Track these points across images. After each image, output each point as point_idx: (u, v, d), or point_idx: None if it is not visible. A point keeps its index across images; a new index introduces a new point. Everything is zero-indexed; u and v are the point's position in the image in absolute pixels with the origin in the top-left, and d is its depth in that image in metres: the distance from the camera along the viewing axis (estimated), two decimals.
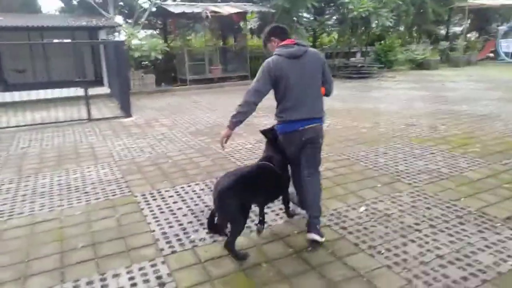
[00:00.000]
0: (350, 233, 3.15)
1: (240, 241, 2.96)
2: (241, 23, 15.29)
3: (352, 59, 18.27)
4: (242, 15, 14.41)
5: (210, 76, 14.36)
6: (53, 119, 8.06)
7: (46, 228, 3.39)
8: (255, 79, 2.94)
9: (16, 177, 4.79)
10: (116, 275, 2.67)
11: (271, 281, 2.57)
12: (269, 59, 2.97)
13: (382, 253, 2.83)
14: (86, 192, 4.22)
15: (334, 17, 18.18)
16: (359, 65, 16.14)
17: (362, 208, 3.59)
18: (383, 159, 5.03)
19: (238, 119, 2.95)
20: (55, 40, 13.18)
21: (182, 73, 14.29)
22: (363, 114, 8.05)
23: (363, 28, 16.87)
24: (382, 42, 18.00)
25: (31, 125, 7.73)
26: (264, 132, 3.29)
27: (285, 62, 2.90)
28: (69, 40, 13.18)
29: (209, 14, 13.18)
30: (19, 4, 13.41)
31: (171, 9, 13.63)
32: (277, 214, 3.52)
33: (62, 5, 14.76)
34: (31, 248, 3.07)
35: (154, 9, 14.68)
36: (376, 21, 15.13)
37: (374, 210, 3.54)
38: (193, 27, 17.11)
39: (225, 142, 3.06)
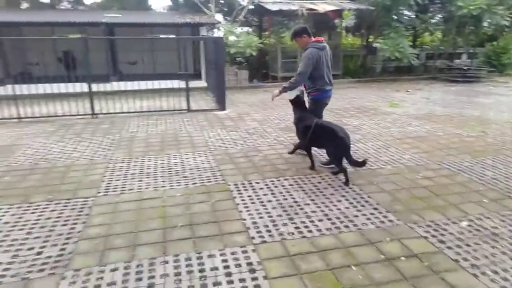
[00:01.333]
0: (449, 248, 2.93)
1: (328, 240, 2.95)
2: (336, 21, 15.01)
3: (457, 61, 16.75)
4: (339, 13, 14.12)
5: None
6: (157, 108, 8.85)
7: (151, 205, 3.77)
8: (305, 65, 4.52)
9: (127, 157, 5.38)
10: (211, 256, 2.86)
11: (360, 285, 2.52)
12: (312, 50, 4.57)
13: (488, 275, 2.58)
14: (185, 177, 4.57)
15: (439, 15, 16.82)
16: (465, 67, 14.73)
17: (464, 223, 3.31)
18: (491, 172, 4.55)
19: (287, 89, 4.74)
20: (162, 36, 14.39)
21: (274, 70, 14.54)
22: (467, 121, 7.35)
23: (471, 27, 15.34)
24: (495, 43, 16.17)
25: (139, 112, 8.59)
26: (295, 100, 4.87)
27: (319, 52, 4.59)
28: (173, 36, 14.29)
29: (305, 12, 13.17)
30: (134, 3, 14.91)
31: (269, 6, 13.92)
32: (368, 219, 3.42)
33: (170, 3, 16.07)
34: (139, 221, 3.44)
35: (251, 6, 15.16)
36: (489, 20, 13.63)
37: (478, 227, 3.24)
38: (288, 25, 17.28)
39: (272, 100, 5.13)
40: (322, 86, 4.74)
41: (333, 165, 4.58)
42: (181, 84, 9.15)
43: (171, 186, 4.28)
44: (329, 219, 3.42)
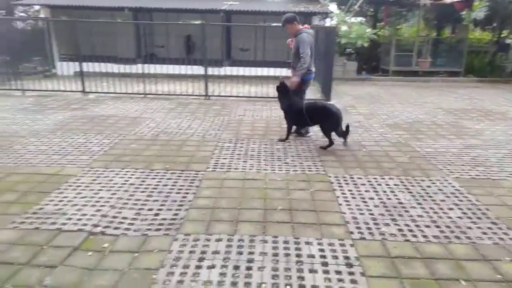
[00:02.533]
0: None
1: (435, 249, 2.75)
2: (463, 13, 13.49)
3: None
4: (467, 4, 12.67)
5: (415, 69, 13.37)
6: (264, 94, 9.13)
7: (254, 186, 3.95)
8: (305, 47, 5.20)
9: (234, 138, 5.70)
10: (308, 243, 2.89)
11: None
12: (305, 35, 5.26)
13: None
14: (286, 163, 4.66)
15: None
16: None
17: None
18: None
19: (302, 72, 5.32)
20: (273, 24, 14.66)
21: (385, 63, 13.78)
22: None
23: None
24: None
25: (247, 97, 8.98)
26: (281, 87, 5.41)
27: (311, 37, 5.33)
28: None
29: (427, 2, 12.13)
30: None
31: None
32: (484, 233, 3.08)
33: None
34: (242, 199, 3.64)
35: None
36: None
37: None
38: (406, 16, 16.12)
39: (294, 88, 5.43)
40: (310, 68, 5.42)
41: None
42: (289, 72, 9.26)
43: (272, 170, 4.41)
44: (437, 227, 3.17)
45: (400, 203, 3.61)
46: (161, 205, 3.49)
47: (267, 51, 13.77)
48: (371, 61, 14.46)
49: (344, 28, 13.06)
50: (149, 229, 3.06)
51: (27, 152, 4.87)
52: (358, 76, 13.08)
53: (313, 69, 5.54)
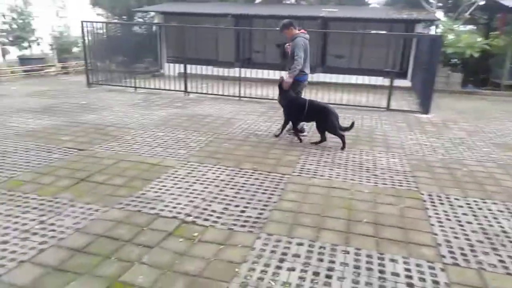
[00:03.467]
0: None
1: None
2: None
3: None
4: None
5: None
6: (356, 102, 8.90)
7: (339, 195, 3.90)
8: (300, 51, 5.48)
9: (321, 145, 5.67)
10: (393, 260, 2.77)
11: None
12: (300, 39, 5.57)
13: None
14: (375, 175, 4.50)
15: None
16: None
17: None
18: None
19: (295, 73, 5.57)
20: (373, 31, 14.18)
21: (497, 76, 12.37)
22: None
23: None
24: None
25: (338, 104, 8.82)
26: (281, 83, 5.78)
27: (306, 41, 5.62)
28: (384, 32, 13.88)
29: None
30: None
31: (506, 2, 11.80)
32: None
33: None
34: (326, 206, 3.62)
35: (482, 2, 13.18)
36: None
37: None
38: None
39: (288, 88, 5.73)
40: (303, 69, 5.71)
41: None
42: (385, 81, 8.91)
43: (360, 181, 4.30)
44: None
45: (504, 231, 3.25)
46: (247, 203, 3.65)
47: (363, 59, 13.37)
48: (479, 73, 13.10)
49: (451, 36, 12.06)
50: (234, 224, 3.23)
51: (135, 142, 5.47)
52: (464, 89, 11.96)
53: (307, 71, 5.84)
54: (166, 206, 3.53)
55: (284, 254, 2.82)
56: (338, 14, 12.13)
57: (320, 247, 2.91)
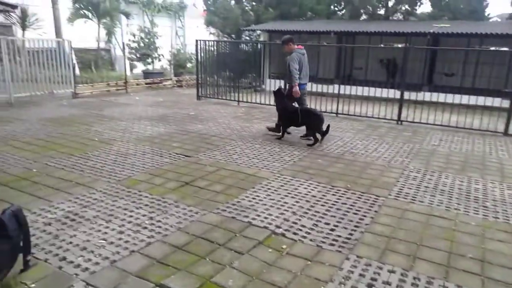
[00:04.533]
0: None
1: None
2: None
3: None
4: None
5: None
6: (467, 125, 8.11)
7: (439, 224, 3.61)
8: (294, 64, 6.53)
9: (423, 168, 5.31)
10: None
11: None
12: (296, 54, 6.61)
13: None
14: (485, 207, 4.06)
15: None
16: None
17: None
18: None
19: (296, 82, 6.55)
20: (492, 48, 12.78)
21: None
22: None
23: None
24: None
25: (445, 126, 8.16)
26: (277, 92, 6.80)
27: (301, 56, 6.67)
28: (506, 49, 12.41)
29: None
30: (466, 12, 13.93)
31: None
32: None
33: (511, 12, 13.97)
34: (424, 235, 3.39)
35: None
36: None
37: None
38: None
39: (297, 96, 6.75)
40: (300, 81, 6.63)
41: (309, 137, 6.60)
42: (504, 103, 7.95)
43: (466, 211, 3.92)
44: None
45: None
46: (338, 221, 3.61)
47: (478, 77, 12.12)
48: None
49: None
50: (323, 242, 3.23)
51: (235, 153, 5.82)
52: None
53: (304, 81, 6.88)
54: (258, 215, 3.69)
55: (374, 279, 2.72)
56: (451, 29, 11.24)
57: (414, 278, 2.74)
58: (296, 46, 6.79)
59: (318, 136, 6.43)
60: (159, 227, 3.41)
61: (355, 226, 3.52)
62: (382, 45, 12.96)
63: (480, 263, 2.96)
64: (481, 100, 8.46)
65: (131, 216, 3.59)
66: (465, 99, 8.59)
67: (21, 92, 9.67)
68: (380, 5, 15.60)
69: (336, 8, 16.38)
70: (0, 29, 13.45)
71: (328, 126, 6.52)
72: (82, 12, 14.96)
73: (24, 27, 13.39)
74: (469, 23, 12.53)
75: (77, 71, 13.86)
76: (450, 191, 4.49)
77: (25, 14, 13.06)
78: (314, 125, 6.42)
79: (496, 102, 8.50)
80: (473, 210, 3.95)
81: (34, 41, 10.59)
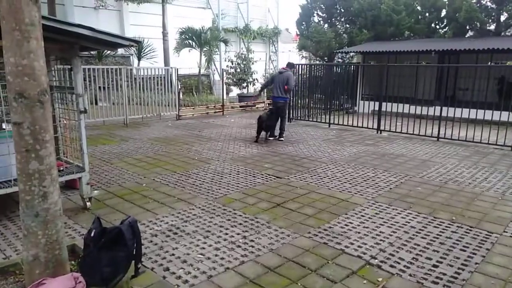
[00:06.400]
0: None
1: None
2: None
3: None
4: None
5: None
6: None
7: None
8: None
9: None
10: None
11: None
12: (273, 73, 15.70)
13: None
14: None
15: None
16: None
17: None
18: None
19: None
20: None
21: None
22: None
23: None
24: None
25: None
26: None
27: (277, 74, 8.88)
28: None
29: None
30: None
31: None
32: None
33: None
34: None
35: None
36: None
37: None
38: None
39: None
40: (272, 95, 8.81)
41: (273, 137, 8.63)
42: None
43: None
44: None
45: None
46: (441, 257, 3.30)
47: None
48: None
49: None
50: (425, 279, 2.98)
51: (326, 176, 5.75)
52: None
53: (275, 94, 8.59)
54: (352, 243, 3.56)
55: None
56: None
57: None
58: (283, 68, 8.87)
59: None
60: (252, 246, 3.50)
61: (463, 265, 3.18)
62: (492, 64, 11.75)
63: None
64: None
65: (226, 234, 3.76)
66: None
67: (135, 114, 10.93)
68: (490, 20, 14.22)
69: (438, 26, 15.39)
70: (120, 60, 15.52)
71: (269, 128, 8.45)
72: (186, 42, 16.47)
73: (139, 57, 15.22)
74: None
75: (181, 95, 15.19)
76: None
77: (141, 46, 14.85)
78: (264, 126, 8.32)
79: None
80: None
81: (147, 69, 11.95)
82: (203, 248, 3.47)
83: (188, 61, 16.93)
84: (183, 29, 16.27)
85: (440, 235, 3.73)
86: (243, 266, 3.17)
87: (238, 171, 6.00)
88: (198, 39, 16.24)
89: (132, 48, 13.96)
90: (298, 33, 18.94)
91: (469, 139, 8.31)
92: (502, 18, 14.07)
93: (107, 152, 7.24)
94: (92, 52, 13.28)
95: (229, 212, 4.33)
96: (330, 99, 12.06)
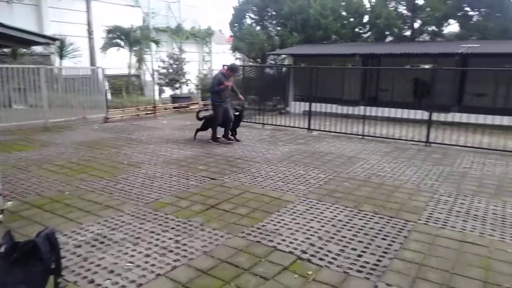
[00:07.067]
0: None
1: None
2: None
3: None
4: None
5: None
6: (499, 146, 7.80)
7: (474, 251, 3.45)
8: (216, 83, 8.08)
9: (454, 192, 5.13)
10: None
11: None
12: (220, 73, 8.22)
13: None
14: None
15: None
16: None
17: None
18: None
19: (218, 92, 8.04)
20: None
21: None
22: None
23: None
24: None
25: (476, 147, 7.89)
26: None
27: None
28: None
29: None
30: (497, 32, 13.63)
31: None
32: None
33: None
34: (457, 263, 3.25)
35: None
36: None
37: None
38: None
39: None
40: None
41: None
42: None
43: (502, 238, 3.74)
44: None
45: None
46: (365, 247, 3.52)
47: (511, 97, 11.75)
48: None
49: None
50: (350, 268, 3.15)
51: (259, 175, 5.84)
52: None
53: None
54: (284, 240, 3.65)
55: None
56: (481, 49, 11.02)
57: None
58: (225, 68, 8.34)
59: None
60: (185, 250, 3.43)
61: (384, 252, 3.42)
62: (408, 67, 12.85)
63: None
64: None
65: (157, 239, 3.64)
66: (497, 119, 8.30)
67: (57, 118, 10.15)
68: (406, 27, 15.51)
69: (361, 31, 16.43)
70: (39, 59, 14.31)
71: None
72: (115, 41, 15.69)
73: (61, 56, 14.17)
74: (499, 43, 12.24)
75: (109, 97, 14.44)
76: (484, 216, 4.30)
77: (63, 44, 13.84)
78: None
79: None
80: (509, 237, 3.76)
81: (70, 70, 11.17)
82: (133, 256, 3.32)
83: (117, 61, 16.15)
84: (111, 27, 15.49)
85: (364, 227, 3.98)
86: (175, 271, 3.09)
87: (170, 174, 5.85)
88: (127, 38, 15.58)
89: (52, 46, 12.97)
90: (232, 34, 19.04)
91: (390, 136, 8.98)
92: (416, 25, 15.43)
93: (23, 159, 6.63)
94: (5, 50, 12.09)
95: (161, 216, 4.20)
96: (263, 100, 12.27)
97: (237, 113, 8.70)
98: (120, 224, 3.98)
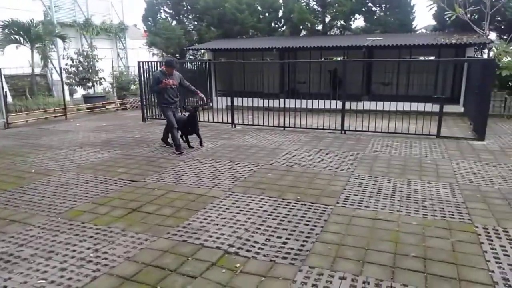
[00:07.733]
0: None
1: None
2: None
3: None
4: None
5: None
6: (404, 130, 8.65)
7: (384, 227, 3.78)
8: (154, 82, 7.22)
9: (367, 175, 5.56)
10: None
11: None
12: (158, 71, 7.47)
13: None
14: (424, 206, 4.32)
15: None
16: None
17: None
18: None
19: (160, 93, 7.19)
20: (421, 58, 13.87)
21: None
22: None
23: None
24: None
25: (385, 132, 8.65)
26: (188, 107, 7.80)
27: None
28: (432, 58, 13.54)
29: None
30: (396, 26, 15.01)
31: None
32: None
33: (435, 23, 15.24)
34: (371, 239, 3.52)
35: None
36: None
37: None
38: None
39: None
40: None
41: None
42: (435, 107, 8.60)
43: (407, 212, 4.14)
44: None
45: None
46: (290, 234, 3.65)
47: (411, 85, 13.06)
48: None
49: (507, 59, 11.47)
50: (276, 256, 3.24)
51: (184, 174, 5.72)
52: None
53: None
54: (210, 236, 3.63)
55: None
56: (383, 42, 12.05)
57: (364, 282, 2.83)
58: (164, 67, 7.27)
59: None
60: (106, 259, 3.23)
61: (307, 237, 3.58)
62: (322, 59, 13.56)
63: (422, 260, 3.13)
64: (414, 106, 9.08)
65: (74, 251, 3.38)
66: (400, 106, 9.17)
67: None
68: (318, 21, 16.33)
69: (277, 25, 16.91)
70: None
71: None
72: (12, 38, 14.11)
73: None
74: (399, 36, 13.49)
75: (10, 99, 13.00)
76: (393, 194, 4.73)
77: None
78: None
79: (428, 107, 9.16)
80: (413, 211, 4.19)
81: None
82: (45, 271, 3.04)
83: (17, 60, 14.58)
84: (7, 22, 13.88)
85: (288, 214, 4.12)
86: (96, 282, 2.90)
87: (86, 180, 5.46)
88: (27, 34, 14.10)
89: None
90: (146, 29, 18.28)
91: (308, 126, 9.42)
92: (327, 19, 16.34)
93: None
94: None
95: (77, 226, 3.90)
96: (185, 96, 12.02)
97: (186, 114, 7.65)
98: (29, 239, 3.62)
